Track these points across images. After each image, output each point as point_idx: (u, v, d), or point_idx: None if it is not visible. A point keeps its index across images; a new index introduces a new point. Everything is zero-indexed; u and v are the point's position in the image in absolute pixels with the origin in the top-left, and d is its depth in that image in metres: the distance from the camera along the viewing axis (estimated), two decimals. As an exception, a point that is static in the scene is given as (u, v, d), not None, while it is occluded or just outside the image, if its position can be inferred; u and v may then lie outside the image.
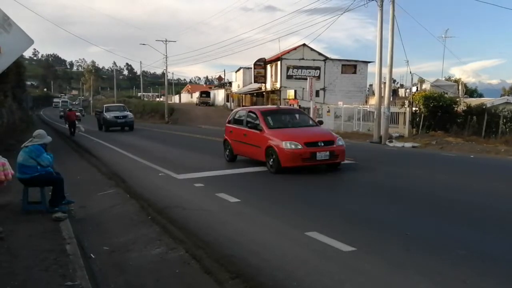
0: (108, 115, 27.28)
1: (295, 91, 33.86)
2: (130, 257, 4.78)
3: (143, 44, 52.32)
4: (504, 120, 19.34)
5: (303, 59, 38.32)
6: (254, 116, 10.58)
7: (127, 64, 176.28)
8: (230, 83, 60.07)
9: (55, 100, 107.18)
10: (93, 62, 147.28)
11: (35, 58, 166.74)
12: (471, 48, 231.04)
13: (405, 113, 21.18)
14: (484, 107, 20.51)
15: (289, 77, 38.16)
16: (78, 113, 52.35)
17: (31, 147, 6.38)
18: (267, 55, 43.22)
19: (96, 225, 6.17)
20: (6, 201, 6.93)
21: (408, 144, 17.52)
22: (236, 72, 55.83)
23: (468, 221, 5.68)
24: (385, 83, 20.47)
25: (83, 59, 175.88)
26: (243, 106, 45.37)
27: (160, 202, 7.04)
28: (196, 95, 68.62)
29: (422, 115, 20.30)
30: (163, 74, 66.31)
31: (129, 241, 5.35)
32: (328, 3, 68.77)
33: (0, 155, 6.56)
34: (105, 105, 31.49)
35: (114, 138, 21.55)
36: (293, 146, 9.18)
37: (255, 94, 44.86)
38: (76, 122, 24.91)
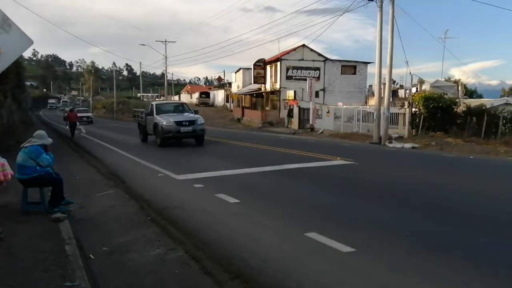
0: (164, 120, 16.31)
1: (295, 92, 33.87)
2: (130, 258, 4.77)
3: (142, 44, 52.23)
4: (504, 121, 19.36)
5: (302, 59, 38.32)
6: None
7: (126, 64, 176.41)
8: (230, 83, 60.12)
9: (50, 101, 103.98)
10: (92, 62, 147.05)
11: (34, 58, 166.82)
12: (470, 49, 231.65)
13: (404, 114, 21.19)
14: (483, 108, 20.51)
15: (288, 77, 38.15)
16: (89, 114, 46.72)
17: (30, 147, 6.37)
18: (267, 56, 43.28)
19: (96, 225, 6.16)
20: (5, 201, 6.92)
21: (407, 145, 17.53)
22: (235, 72, 55.84)
23: (468, 222, 5.68)
24: (384, 83, 20.49)
25: (83, 59, 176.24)
26: (242, 106, 45.46)
27: (159, 202, 7.04)
28: (196, 95, 68.70)
29: (422, 116, 20.31)
30: (163, 74, 66.42)
31: (129, 241, 5.34)
32: (327, 4, 69.03)
33: (0, 156, 6.55)
34: (154, 103, 19.13)
35: (114, 139, 21.55)
36: None
37: (254, 94, 44.87)
38: (77, 123, 24.04)
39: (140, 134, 19.80)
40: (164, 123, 16.12)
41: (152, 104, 18.74)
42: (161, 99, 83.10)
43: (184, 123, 16.32)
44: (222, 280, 3.95)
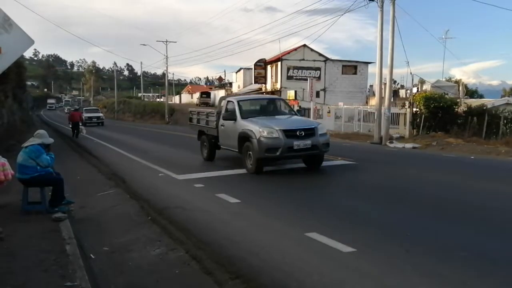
0: (264, 129, 9.31)
1: (296, 92, 33.86)
2: (130, 258, 4.78)
3: (143, 44, 52.47)
4: (505, 121, 19.32)
5: (303, 59, 38.32)
6: None
7: (127, 64, 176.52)
8: (231, 83, 60.18)
9: (49, 101, 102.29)
10: (93, 62, 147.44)
11: (35, 58, 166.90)
12: (471, 49, 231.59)
13: (405, 114, 21.17)
14: (484, 108, 20.48)
15: (289, 77, 38.17)
16: (100, 114, 40.09)
17: (30, 147, 6.38)
18: (268, 56, 43.25)
19: (96, 225, 6.17)
20: (6, 201, 6.93)
21: (408, 145, 17.51)
22: (236, 72, 55.90)
23: (468, 222, 5.67)
24: (385, 84, 20.45)
25: (84, 59, 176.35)
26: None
27: (160, 202, 7.04)
28: (197, 95, 68.63)
29: (423, 116, 20.30)
30: (164, 74, 66.51)
31: (129, 241, 5.35)
32: (328, 4, 68.98)
33: (0, 156, 6.56)
34: (235, 100, 11.08)
35: (114, 139, 21.57)
36: None
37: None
38: (80, 124, 22.90)
39: (203, 148, 12.34)
40: (265, 134, 9.16)
41: (231, 102, 10.99)
42: (162, 99, 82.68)
43: (298, 133, 9.26)
44: (223, 280, 3.95)
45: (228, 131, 10.71)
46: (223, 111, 11.13)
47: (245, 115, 10.38)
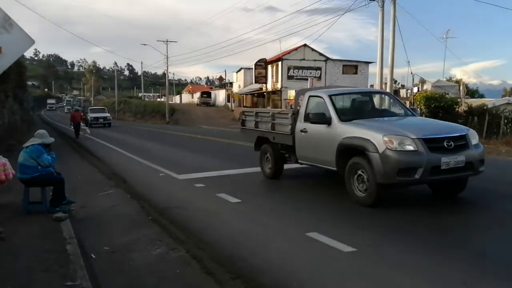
0: (393, 138, 5.89)
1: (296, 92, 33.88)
2: (131, 257, 4.77)
3: (144, 44, 52.69)
4: (505, 120, 19.34)
5: (304, 59, 38.30)
6: None
7: (128, 64, 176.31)
8: (231, 83, 60.13)
9: (49, 101, 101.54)
10: (94, 62, 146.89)
11: (36, 58, 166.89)
12: (472, 49, 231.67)
13: (406, 113, 21.16)
14: (485, 107, 20.52)
15: (290, 77, 38.16)
16: (107, 114, 36.33)
17: (31, 147, 6.39)
18: (268, 56, 43.24)
19: (97, 225, 6.17)
20: (6, 201, 6.93)
21: (409, 145, 17.45)
22: (237, 72, 55.85)
23: (468, 222, 5.67)
24: (386, 83, 20.45)
25: (84, 59, 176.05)
26: (243, 106, 45.44)
27: (160, 202, 7.04)
28: (197, 95, 68.77)
29: (423, 115, 20.30)
30: (164, 74, 66.47)
31: (130, 241, 5.35)
32: (329, 4, 68.99)
33: (1, 155, 6.57)
34: (325, 94, 7.60)
35: (115, 138, 21.58)
36: None
37: (256, 94, 44.89)
38: (81, 124, 22.59)
39: (264, 162, 9.11)
40: (395, 145, 5.89)
41: (319, 97, 7.71)
42: (162, 99, 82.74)
43: (446, 143, 6.01)
44: (223, 280, 3.95)
45: (315, 140, 7.45)
46: (302, 111, 7.91)
47: (345, 116, 7.11)
